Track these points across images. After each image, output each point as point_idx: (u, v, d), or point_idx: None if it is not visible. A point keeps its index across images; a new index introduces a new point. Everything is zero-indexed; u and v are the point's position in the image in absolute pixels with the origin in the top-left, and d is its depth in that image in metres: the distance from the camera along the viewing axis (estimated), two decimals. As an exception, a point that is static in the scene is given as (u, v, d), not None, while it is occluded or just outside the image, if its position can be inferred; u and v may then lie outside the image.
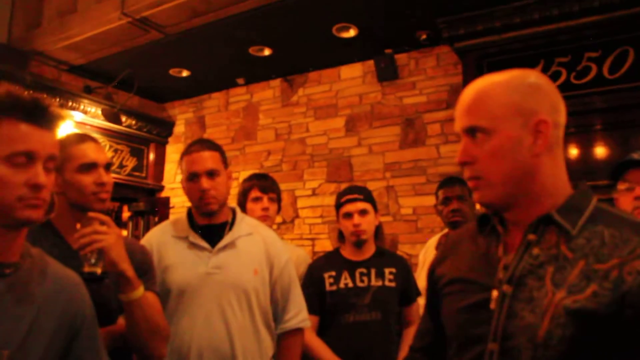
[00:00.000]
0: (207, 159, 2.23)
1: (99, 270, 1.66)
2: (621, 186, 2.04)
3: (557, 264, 1.11)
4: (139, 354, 1.91)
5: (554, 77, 3.77)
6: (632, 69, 3.57)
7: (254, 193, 2.97)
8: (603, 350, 1.03)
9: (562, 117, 1.19)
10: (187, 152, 2.28)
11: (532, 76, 1.20)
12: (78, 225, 1.68)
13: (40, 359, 1.28)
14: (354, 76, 5.02)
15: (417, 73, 4.69)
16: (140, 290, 1.75)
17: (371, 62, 4.84)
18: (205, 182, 2.19)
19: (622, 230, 1.09)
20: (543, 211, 1.16)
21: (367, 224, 2.74)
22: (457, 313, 1.25)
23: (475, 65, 4.03)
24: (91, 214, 1.72)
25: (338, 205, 2.83)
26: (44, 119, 1.27)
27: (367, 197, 2.81)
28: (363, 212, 2.74)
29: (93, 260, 1.66)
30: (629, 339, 1.02)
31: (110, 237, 1.68)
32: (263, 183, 3.01)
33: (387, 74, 4.74)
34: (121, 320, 1.85)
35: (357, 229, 2.72)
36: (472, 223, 1.38)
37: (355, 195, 2.78)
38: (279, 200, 3.09)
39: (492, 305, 1.16)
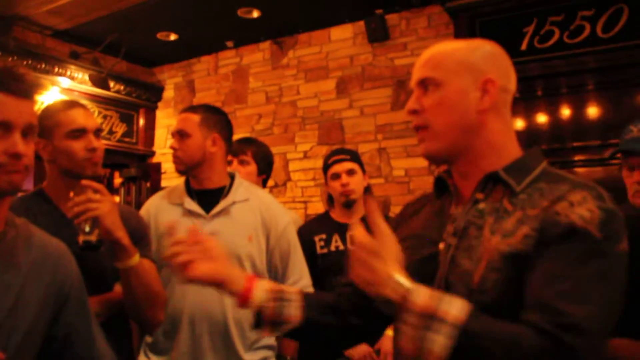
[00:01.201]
0: (181, 120, 2.27)
1: (94, 239, 1.65)
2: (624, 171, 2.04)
3: (497, 215, 1.16)
4: (137, 321, 1.92)
5: (547, 36, 3.75)
6: (626, 28, 3.55)
7: (241, 157, 2.95)
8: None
9: (511, 85, 1.26)
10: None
11: (489, 45, 1.28)
12: (71, 194, 1.66)
13: (29, 326, 1.29)
14: (344, 37, 4.96)
15: (408, 34, 4.64)
16: (135, 258, 1.75)
17: (362, 23, 4.78)
18: (174, 142, 2.25)
19: (559, 183, 1.14)
20: (490, 168, 1.21)
21: (355, 183, 2.74)
22: (408, 267, 1.25)
23: (468, 25, 4.00)
24: (84, 182, 1.70)
25: (326, 168, 2.82)
26: (19, 87, 1.24)
27: (355, 157, 2.81)
28: (351, 172, 2.74)
29: (88, 229, 1.64)
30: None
31: (104, 205, 1.67)
32: (234, 146, 2.95)
33: (378, 35, 4.69)
34: (118, 288, 1.85)
35: (345, 189, 2.72)
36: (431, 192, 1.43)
37: (342, 156, 2.78)
38: (261, 162, 3.02)
39: (440, 257, 1.22)
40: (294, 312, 1.32)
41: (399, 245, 1.23)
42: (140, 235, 1.92)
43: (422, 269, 1.24)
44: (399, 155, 4.58)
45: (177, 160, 2.24)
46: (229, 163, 2.87)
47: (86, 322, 1.47)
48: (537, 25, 3.79)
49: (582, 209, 1.06)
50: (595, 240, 1.03)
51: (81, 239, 1.64)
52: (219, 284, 1.31)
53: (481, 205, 1.20)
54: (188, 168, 2.24)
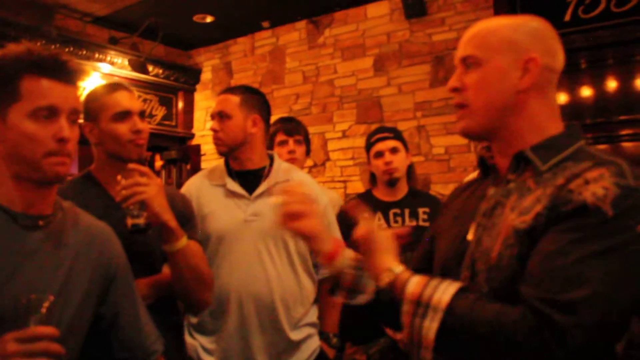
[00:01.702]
0: (221, 102, 2.27)
1: (142, 222, 1.67)
2: None
3: (520, 194, 1.15)
4: (185, 302, 1.95)
5: (592, 5, 3.63)
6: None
7: (280, 137, 2.96)
8: None
9: (557, 63, 1.24)
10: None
11: (535, 21, 1.25)
12: (119, 178, 1.69)
13: (79, 305, 1.34)
14: (380, 14, 4.89)
15: (446, 8, 4.54)
16: (183, 240, 1.77)
17: (398, -1, 4.71)
18: (214, 123, 2.24)
19: (583, 161, 1.11)
20: (522, 148, 1.20)
21: (399, 162, 2.72)
22: (445, 249, 1.33)
23: (507, -3, 3.90)
24: (131, 166, 1.73)
25: (368, 146, 2.81)
26: (64, 73, 1.29)
27: (397, 135, 2.80)
28: (394, 150, 2.72)
29: (136, 212, 1.67)
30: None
31: (151, 188, 1.69)
32: (287, 126, 2.99)
33: (415, 10, 4.60)
34: (166, 269, 1.88)
35: (389, 167, 2.70)
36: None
37: (385, 134, 2.77)
38: (307, 142, 3.06)
39: (469, 236, 1.23)
40: (371, 284, 1.35)
41: (390, 236, 1.32)
42: (187, 216, 1.95)
43: (454, 247, 1.28)
44: (438, 132, 4.53)
45: (218, 141, 2.24)
46: (284, 143, 2.90)
47: (132, 302, 1.52)
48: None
49: (596, 186, 1.03)
50: (606, 218, 1.00)
51: (129, 222, 1.66)
52: (311, 239, 1.38)
53: (511, 185, 1.20)
54: (230, 149, 2.24)
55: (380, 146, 2.73)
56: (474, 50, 1.23)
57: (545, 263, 1.01)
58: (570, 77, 3.83)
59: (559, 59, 1.24)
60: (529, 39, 1.20)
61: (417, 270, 1.50)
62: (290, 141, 2.94)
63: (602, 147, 3.64)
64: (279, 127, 2.98)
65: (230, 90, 2.31)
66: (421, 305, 1.07)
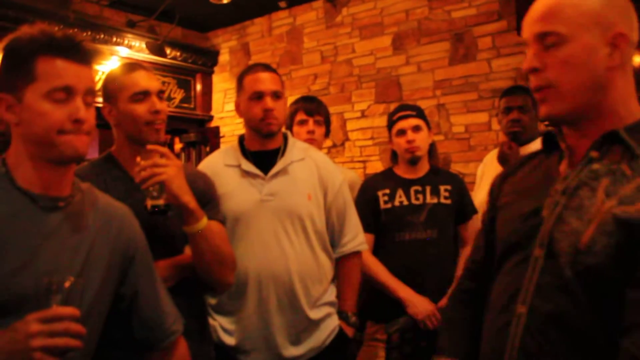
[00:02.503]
0: (272, 80, 2.23)
1: (162, 203, 1.67)
2: None
3: (614, 178, 1.09)
4: (207, 283, 1.94)
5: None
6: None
7: (300, 116, 2.94)
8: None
9: (637, 35, 1.17)
10: (249, 72, 2.26)
11: None
12: (138, 159, 1.68)
13: (99, 286, 1.35)
14: (399, -9, 4.83)
15: (465, -17, 4.46)
16: (203, 221, 1.76)
17: (417, -25, 4.63)
18: (270, 102, 2.18)
19: None
20: (611, 128, 1.13)
21: (421, 140, 2.70)
22: (510, 221, 1.28)
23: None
24: (150, 147, 1.72)
25: (390, 124, 2.78)
26: (79, 53, 1.29)
27: (420, 113, 2.77)
28: (416, 129, 2.69)
29: (155, 194, 1.66)
30: None
31: (170, 169, 1.68)
32: (309, 105, 2.97)
33: (434, -14, 4.53)
34: (188, 250, 1.88)
35: (411, 145, 2.68)
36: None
37: (408, 112, 2.74)
38: (327, 123, 3.04)
39: (544, 213, 1.17)
40: None
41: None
42: (208, 197, 1.95)
43: (524, 223, 1.22)
44: (458, 111, 4.47)
45: (275, 121, 2.20)
46: (304, 122, 2.89)
47: (151, 282, 1.53)
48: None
49: None
50: None
51: (149, 203, 1.66)
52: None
53: (595, 166, 1.13)
54: (279, 128, 2.25)
55: (402, 124, 2.70)
56: (553, 26, 1.14)
57: None
58: None
59: (637, 30, 1.17)
60: (615, 12, 1.13)
61: (474, 263, 1.49)
62: (310, 121, 2.92)
63: None
64: (300, 106, 2.96)
65: (272, 69, 2.29)
66: None
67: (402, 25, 4.79)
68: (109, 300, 1.41)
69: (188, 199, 1.72)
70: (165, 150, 1.73)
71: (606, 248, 1.03)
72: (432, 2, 4.63)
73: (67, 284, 1.16)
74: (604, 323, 1.04)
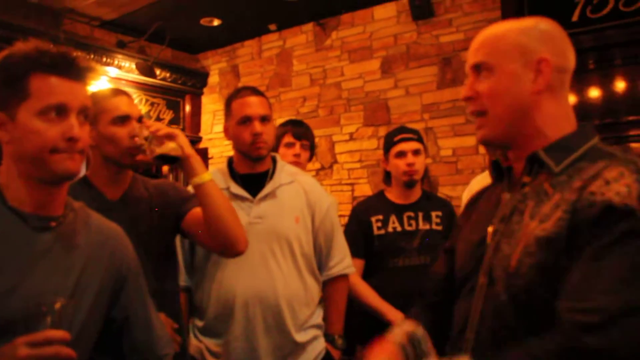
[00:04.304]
0: (260, 104, 2.23)
1: (171, 153, 1.72)
2: None
3: (537, 199, 1.15)
4: (221, 244, 1.87)
5: (601, 5, 3.59)
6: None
7: (287, 138, 2.95)
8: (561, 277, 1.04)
9: (568, 63, 1.24)
10: (237, 96, 2.26)
11: (544, 23, 1.24)
12: (135, 125, 1.78)
13: (90, 307, 1.32)
14: (388, 16, 4.88)
15: (453, 10, 4.52)
16: (208, 173, 1.80)
17: (405, 1, 4.69)
18: (258, 126, 2.18)
19: (598, 161, 1.10)
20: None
21: (420, 164, 2.72)
22: (463, 252, 1.35)
23: (515, -2, 3.88)
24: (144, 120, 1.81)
25: (390, 145, 2.78)
26: (73, 71, 1.28)
27: (419, 137, 2.79)
28: (417, 152, 2.71)
29: (161, 142, 1.72)
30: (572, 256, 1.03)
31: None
32: (297, 130, 2.99)
33: (423, 12, 4.59)
34: (197, 210, 1.88)
35: (411, 169, 2.68)
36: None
37: (410, 135, 2.75)
38: (312, 148, 3.07)
39: (488, 241, 1.23)
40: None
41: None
42: (183, 196, 1.98)
43: (472, 252, 1.28)
44: (446, 134, 4.51)
45: (264, 145, 2.21)
46: (291, 145, 2.91)
47: (143, 305, 1.50)
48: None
49: (618, 185, 1.02)
50: (637, 217, 0.98)
51: (156, 150, 1.70)
52: None
53: (525, 189, 1.19)
54: (269, 152, 2.26)
55: (403, 146, 2.71)
56: (484, 57, 1.23)
57: (583, 281, 0.99)
58: (578, 78, 3.72)
59: (570, 59, 1.24)
60: (539, 41, 1.20)
61: (439, 290, 1.51)
62: (298, 145, 2.94)
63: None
64: (289, 129, 2.98)
65: (259, 92, 2.30)
66: None
67: (391, 49, 4.84)
68: (100, 323, 1.38)
69: (193, 151, 1.78)
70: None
71: (531, 268, 1.08)
72: (421, 26, 4.69)
73: (57, 306, 1.14)
74: None
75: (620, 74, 3.69)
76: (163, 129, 1.73)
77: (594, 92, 3.78)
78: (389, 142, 2.79)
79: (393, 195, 2.80)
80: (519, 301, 1.09)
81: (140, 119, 1.89)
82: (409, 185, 2.73)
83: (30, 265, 1.23)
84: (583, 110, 3.75)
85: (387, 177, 2.83)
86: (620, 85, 3.69)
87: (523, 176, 1.22)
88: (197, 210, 1.86)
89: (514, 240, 1.14)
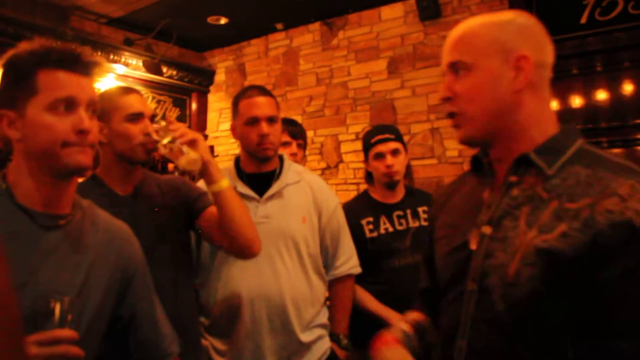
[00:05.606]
0: (268, 105, 2.22)
1: (193, 167, 1.76)
2: None
3: (533, 205, 1.11)
4: (237, 245, 1.90)
5: (610, 8, 3.58)
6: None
7: (284, 138, 2.95)
8: (572, 294, 1.02)
9: (548, 58, 1.19)
10: (245, 96, 2.26)
11: (521, 17, 1.20)
12: (154, 126, 1.82)
13: (97, 307, 1.33)
14: (395, 16, 4.88)
15: (460, 10, 4.52)
16: (226, 180, 1.83)
17: (413, 1, 4.69)
18: (266, 127, 2.18)
19: (597, 169, 1.07)
20: (524, 150, 1.16)
21: (399, 164, 2.67)
22: (444, 256, 1.30)
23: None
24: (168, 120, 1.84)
25: (367, 146, 2.74)
26: (80, 65, 1.29)
27: (398, 136, 2.73)
28: (395, 152, 2.67)
29: (184, 150, 1.75)
30: (596, 281, 1.00)
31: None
32: (293, 129, 3.00)
33: (430, 12, 4.59)
34: (213, 209, 1.90)
35: (390, 170, 2.64)
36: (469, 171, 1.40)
37: (387, 135, 2.69)
38: (304, 148, 3.11)
39: (473, 246, 1.19)
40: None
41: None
42: (195, 193, 2.00)
43: (456, 257, 1.24)
44: (452, 135, 4.49)
45: (271, 145, 2.21)
46: (288, 144, 2.91)
47: (150, 303, 1.51)
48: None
49: (634, 202, 0.98)
50: None
51: (182, 162, 1.74)
52: None
53: (514, 192, 1.15)
54: (275, 153, 2.26)
55: (381, 148, 2.66)
56: (460, 56, 1.19)
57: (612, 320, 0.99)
58: (586, 80, 3.79)
59: (549, 54, 1.19)
60: (517, 37, 1.16)
61: (427, 290, 1.51)
62: (294, 144, 2.96)
63: (617, 150, 3.60)
64: (284, 129, 2.97)
65: (267, 92, 2.28)
66: None
67: (398, 49, 4.84)
68: (107, 321, 1.39)
69: (212, 158, 1.82)
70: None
71: (530, 279, 1.05)
72: (427, 27, 4.68)
73: (66, 304, 1.14)
74: (537, 358, 1.05)
75: (628, 76, 3.68)
76: (188, 134, 1.76)
77: (602, 95, 3.77)
78: (367, 144, 2.75)
79: (378, 194, 2.76)
80: (518, 311, 1.06)
81: (152, 118, 1.92)
82: (390, 186, 2.70)
83: (39, 263, 1.23)
84: (590, 113, 3.74)
85: (370, 177, 2.80)
86: (628, 88, 3.68)
87: (509, 175, 1.18)
88: (212, 210, 1.88)
89: (510, 249, 1.10)
